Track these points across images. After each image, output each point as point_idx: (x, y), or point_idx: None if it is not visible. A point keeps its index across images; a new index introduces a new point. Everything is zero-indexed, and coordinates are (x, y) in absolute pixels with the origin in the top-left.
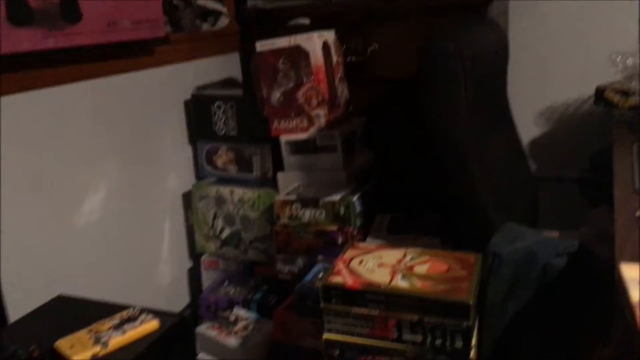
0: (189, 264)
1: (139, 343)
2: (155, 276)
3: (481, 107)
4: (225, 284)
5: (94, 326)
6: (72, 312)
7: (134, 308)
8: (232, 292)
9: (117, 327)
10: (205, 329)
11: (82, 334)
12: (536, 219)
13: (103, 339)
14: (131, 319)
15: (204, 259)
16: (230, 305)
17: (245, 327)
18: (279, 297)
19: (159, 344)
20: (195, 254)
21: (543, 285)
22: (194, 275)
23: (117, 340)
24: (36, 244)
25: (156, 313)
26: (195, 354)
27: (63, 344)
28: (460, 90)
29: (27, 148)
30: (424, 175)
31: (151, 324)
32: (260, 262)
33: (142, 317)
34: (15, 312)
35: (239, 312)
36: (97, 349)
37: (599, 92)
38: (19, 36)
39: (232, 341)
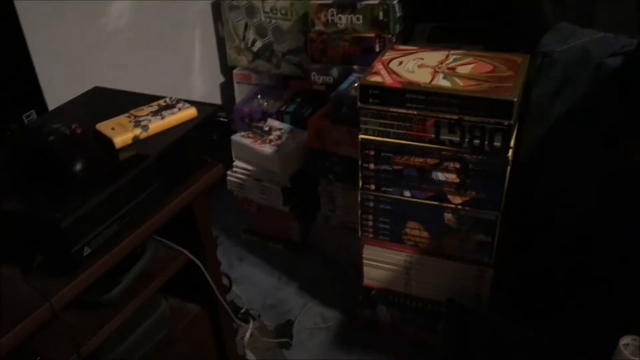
0: (221, 78)
1: (178, 128)
2: (186, 89)
3: None
4: (258, 96)
5: (133, 111)
6: (109, 101)
7: (170, 97)
8: (265, 104)
9: (156, 113)
10: (240, 137)
11: (122, 119)
12: (592, 22)
13: (143, 123)
14: (169, 107)
15: (236, 72)
16: (264, 116)
17: (279, 137)
18: (313, 109)
19: (197, 130)
20: (227, 68)
21: (595, 86)
22: (227, 89)
23: (156, 124)
24: (68, 44)
25: (193, 102)
26: (231, 159)
27: (104, 126)
28: None
29: None
30: None
31: (189, 112)
32: (293, 75)
33: (180, 105)
34: (53, 104)
35: (273, 122)
36: (137, 131)
37: None
38: None
39: (267, 148)
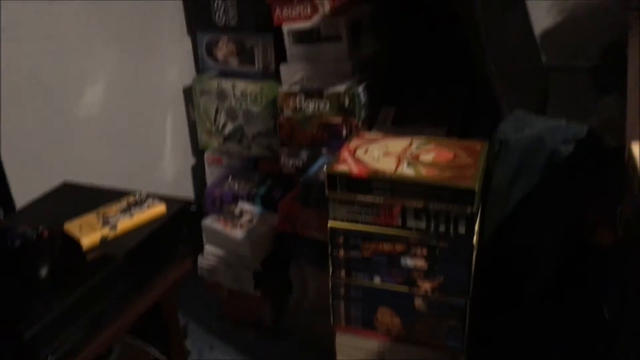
0: (192, 160)
1: (146, 226)
2: (158, 172)
3: None
4: (229, 179)
5: (101, 210)
6: (77, 198)
7: (140, 193)
8: (236, 186)
9: (125, 210)
10: (211, 222)
11: (91, 217)
12: (545, 108)
13: (111, 222)
14: (138, 203)
15: (207, 155)
16: (235, 199)
17: (250, 220)
18: (283, 191)
19: (166, 227)
20: (198, 150)
21: (549, 172)
22: (198, 172)
23: (125, 223)
24: (38, 135)
25: (162, 198)
26: (202, 244)
27: (72, 227)
28: None
29: (22, 40)
30: (429, 65)
31: (158, 209)
32: (263, 157)
33: (149, 201)
34: (21, 201)
35: (244, 205)
36: (105, 231)
37: None
38: None
39: (238, 233)
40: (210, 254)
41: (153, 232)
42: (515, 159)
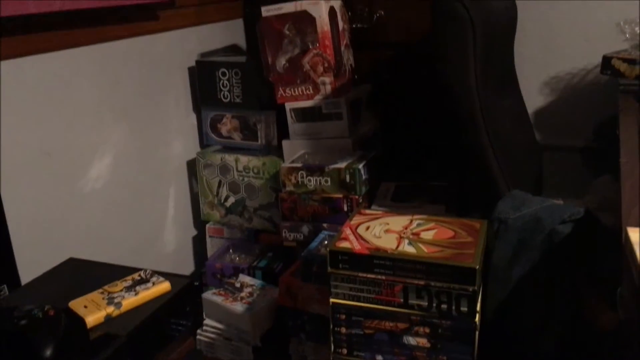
0: (193, 231)
1: (151, 304)
2: (160, 243)
3: (490, 70)
4: (230, 251)
5: (106, 287)
6: (83, 274)
7: (145, 270)
8: (237, 259)
9: (130, 288)
10: (212, 295)
11: (95, 295)
12: (540, 187)
13: (116, 300)
14: (143, 281)
15: (209, 226)
16: (236, 272)
17: (250, 294)
18: (284, 264)
19: (170, 305)
20: (200, 222)
21: (548, 251)
22: (199, 243)
23: (130, 301)
24: (45, 208)
25: (167, 275)
26: (202, 318)
27: (77, 304)
28: (470, 49)
29: (33, 113)
30: (429, 143)
31: (163, 286)
32: (264, 230)
33: (154, 279)
34: (26, 275)
35: (244, 278)
36: (110, 309)
37: (606, 61)
38: None
39: (238, 307)
40: (210, 327)
41: (157, 310)
42: (515, 238)
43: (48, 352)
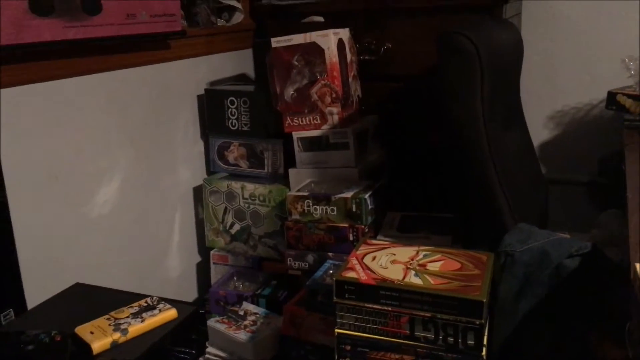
0: (198, 258)
1: (157, 331)
2: (164, 269)
3: (496, 104)
4: (234, 278)
5: (113, 313)
6: (89, 300)
7: (151, 297)
8: (241, 286)
9: (136, 315)
10: (215, 323)
11: (102, 321)
12: (546, 220)
13: (122, 326)
14: (150, 308)
15: (213, 253)
16: (239, 299)
17: (254, 322)
18: (288, 293)
19: (176, 333)
20: (204, 248)
21: (555, 286)
22: (203, 270)
23: (136, 327)
24: (51, 232)
25: (173, 302)
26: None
27: (83, 330)
28: (477, 82)
29: (42, 137)
30: (434, 174)
31: (169, 313)
32: (269, 258)
33: (160, 306)
34: (32, 299)
35: (248, 306)
36: (116, 335)
37: (611, 96)
38: (40, 26)
39: (242, 335)
40: (213, 355)
41: (164, 337)
42: (521, 271)
43: None
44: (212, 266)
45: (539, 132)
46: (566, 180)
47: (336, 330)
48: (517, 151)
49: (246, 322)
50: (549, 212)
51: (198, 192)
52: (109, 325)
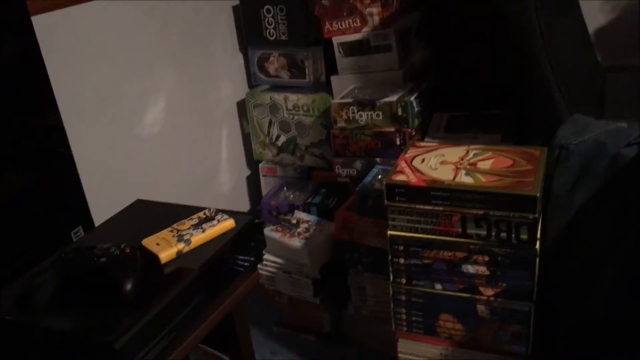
0: (247, 171)
1: (218, 240)
2: (216, 184)
3: None
4: (284, 189)
5: (175, 226)
6: (151, 214)
7: (209, 209)
8: (291, 196)
9: (197, 226)
10: (270, 231)
11: (166, 233)
12: (602, 110)
13: (185, 237)
14: (209, 219)
15: (262, 166)
16: (291, 209)
17: (307, 229)
18: (338, 200)
19: (236, 241)
20: (253, 162)
21: (612, 176)
22: (253, 183)
23: (198, 237)
24: (107, 153)
25: (230, 213)
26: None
27: (149, 242)
28: None
29: (86, 61)
30: (483, 70)
31: (228, 223)
32: (317, 167)
33: (219, 217)
34: (98, 217)
35: (300, 215)
36: (181, 245)
37: None
38: None
39: (296, 242)
40: (270, 262)
41: (224, 245)
42: (577, 164)
43: (129, 287)
44: (262, 178)
45: (595, 17)
46: (623, 66)
47: (389, 232)
48: (571, 38)
49: (299, 230)
50: (605, 101)
51: (242, 106)
52: (173, 236)
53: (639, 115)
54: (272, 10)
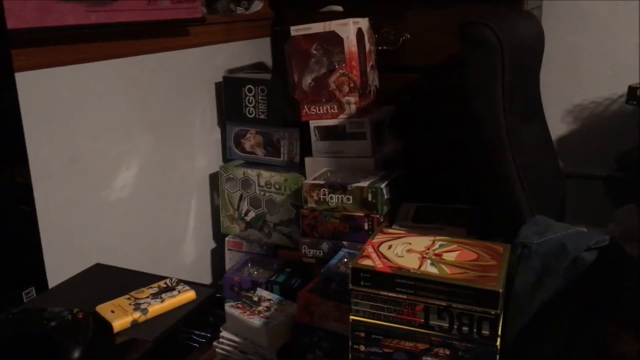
0: (213, 244)
1: (176, 312)
2: (180, 254)
3: (517, 96)
4: (248, 265)
5: (133, 293)
6: (109, 280)
7: (170, 279)
8: (255, 273)
9: (156, 295)
10: (230, 307)
11: (122, 300)
12: (563, 214)
13: (142, 306)
14: (169, 289)
15: (228, 240)
16: (254, 286)
17: (268, 308)
18: (302, 281)
19: (195, 314)
20: (219, 235)
21: (572, 278)
22: (217, 256)
23: (156, 307)
24: (71, 214)
25: (191, 285)
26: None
27: (104, 309)
28: (498, 74)
29: (65, 121)
30: (450, 166)
31: (188, 294)
32: (283, 245)
33: (180, 287)
34: (53, 279)
35: (262, 293)
36: (137, 315)
37: (632, 91)
38: (64, 10)
39: (256, 320)
40: (226, 340)
41: (182, 318)
42: (538, 263)
43: (76, 355)
44: (227, 252)
45: (558, 126)
46: (584, 174)
47: (351, 317)
48: (535, 144)
49: (260, 308)
50: (566, 206)
51: (214, 179)
52: (129, 304)
53: (597, 223)
54: (253, 89)
